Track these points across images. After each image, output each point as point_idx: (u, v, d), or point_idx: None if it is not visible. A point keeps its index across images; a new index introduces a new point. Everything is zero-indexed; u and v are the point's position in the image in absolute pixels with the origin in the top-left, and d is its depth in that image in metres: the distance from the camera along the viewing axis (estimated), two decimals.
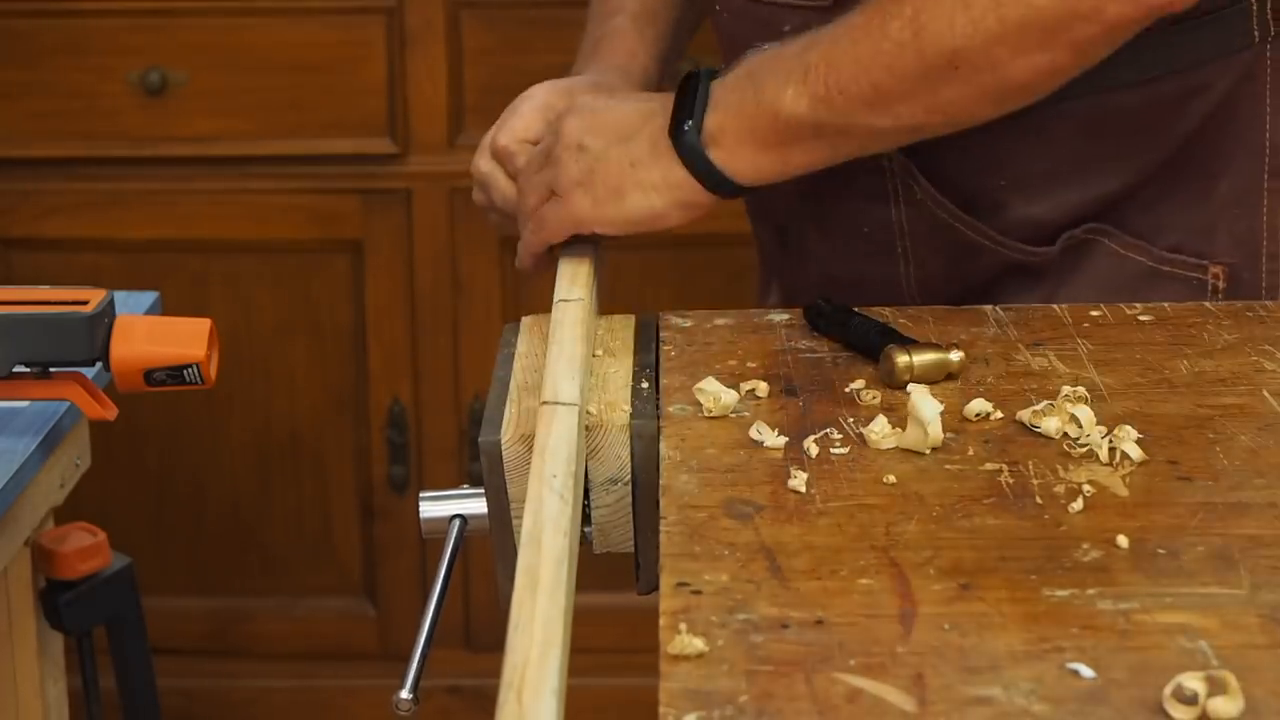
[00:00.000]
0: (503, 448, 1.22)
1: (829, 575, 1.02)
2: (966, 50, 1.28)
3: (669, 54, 1.61)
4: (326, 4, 2.55)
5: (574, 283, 1.37)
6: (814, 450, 1.17)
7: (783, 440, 1.18)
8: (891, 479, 1.13)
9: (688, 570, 1.03)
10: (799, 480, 1.13)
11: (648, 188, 1.37)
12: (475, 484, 1.26)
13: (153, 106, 2.56)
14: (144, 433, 2.66)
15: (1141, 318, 1.38)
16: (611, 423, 1.22)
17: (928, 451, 1.17)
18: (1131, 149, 1.42)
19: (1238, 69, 1.41)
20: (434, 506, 1.27)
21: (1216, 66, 1.41)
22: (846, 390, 1.26)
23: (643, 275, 2.55)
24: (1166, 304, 1.40)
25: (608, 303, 1.44)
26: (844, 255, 1.51)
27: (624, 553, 1.25)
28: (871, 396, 1.25)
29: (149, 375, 1.40)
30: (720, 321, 1.39)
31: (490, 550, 1.26)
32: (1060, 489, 1.12)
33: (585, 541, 1.23)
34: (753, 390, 1.26)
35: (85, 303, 1.39)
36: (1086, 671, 0.93)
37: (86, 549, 1.67)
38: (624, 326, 1.37)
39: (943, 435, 1.17)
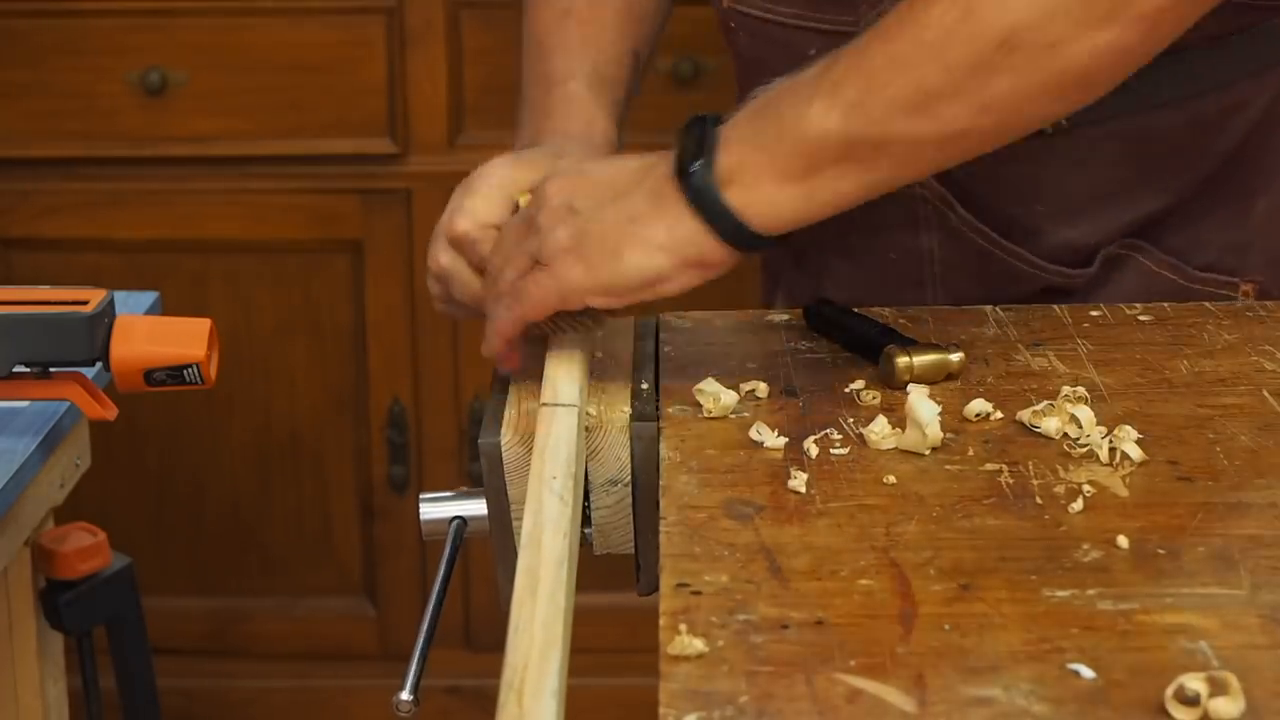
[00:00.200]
0: (502, 449, 1.22)
1: (829, 576, 1.02)
2: (1024, 27, 1.14)
3: (623, 120, 1.46)
4: (326, 4, 2.55)
5: (568, 382, 1.23)
6: (814, 451, 1.17)
7: (782, 441, 1.18)
8: (891, 479, 1.13)
9: (688, 571, 1.03)
10: (799, 481, 1.13)
11: (651, 246, 1.19)
12: (475, 484, 1.25)
13: (152, 106, 2.56)
14: (144, 433, 2.65)
15: (1141, 318, 1.38)
16: (611, 424, 1.22)
17: (927, 452, 1.17)
18: (1172, 169, 1.41)
19: (1273, 85, 1.40)
20: (434, 508, 1.27)
21: (1253, 83, 1.39)
22: (846, 391, 1.26)
23: None
24: (1166, 304, 1.40)
25: None
26: (866, 282, 1.46)
27: (624, 554, 1.25)
28: (871, 397, 1.25)
29: (149, 375, 1.40)
30: (720, 322, 1.39)
31: (490, 551, 1.26)
32: (1060, 489, 1.12)
33: (585, 543, 1.23)
34: (752, 391, 1.26)
35: (85, 303, 1.39)
36: (1087, 672, 0.93)
37: (86, 549, 1.67)
38: (624, 327, 1.37)
39: (942, 436, 1.17)
